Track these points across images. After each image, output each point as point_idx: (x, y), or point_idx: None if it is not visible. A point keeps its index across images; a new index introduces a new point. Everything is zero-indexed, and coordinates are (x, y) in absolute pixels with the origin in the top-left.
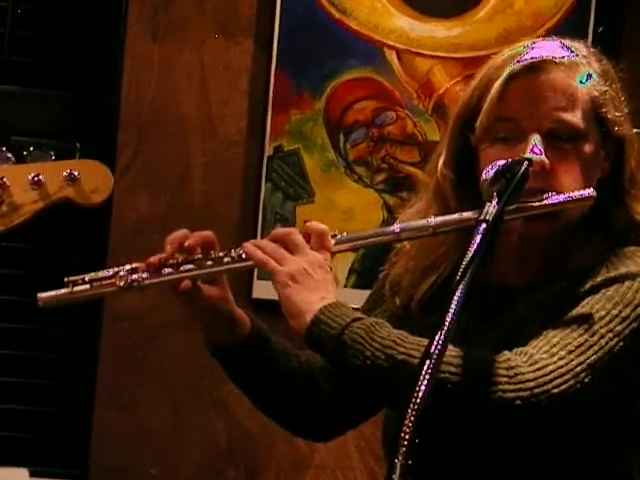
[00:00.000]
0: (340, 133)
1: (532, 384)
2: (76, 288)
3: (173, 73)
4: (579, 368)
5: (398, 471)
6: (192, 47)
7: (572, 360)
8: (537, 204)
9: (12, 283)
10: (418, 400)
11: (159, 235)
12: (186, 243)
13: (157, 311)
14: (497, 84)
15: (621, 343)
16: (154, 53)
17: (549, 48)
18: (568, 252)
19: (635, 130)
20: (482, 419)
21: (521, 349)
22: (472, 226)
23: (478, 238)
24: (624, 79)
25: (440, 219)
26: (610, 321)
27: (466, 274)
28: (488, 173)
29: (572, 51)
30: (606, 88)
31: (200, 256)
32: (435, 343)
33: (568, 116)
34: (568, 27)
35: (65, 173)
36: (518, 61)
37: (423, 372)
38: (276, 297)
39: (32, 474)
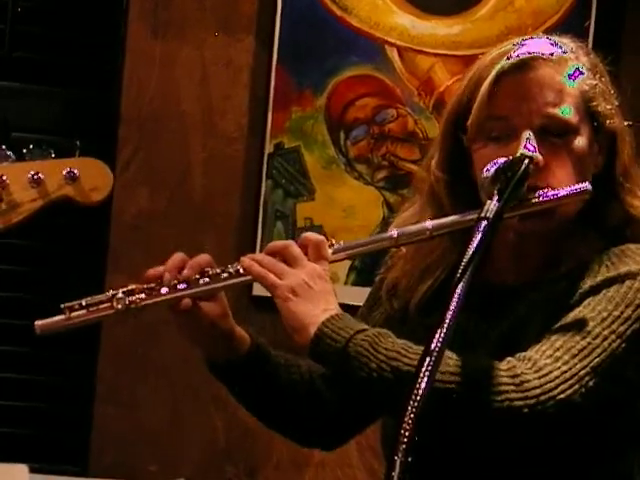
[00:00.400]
0: (341, 130)
1: (538, 391)
2: (73, 314)
3: (174, 69)
4: (583, 372)
5: (398, 469)
6: (193, 44)
7: (576, 364)
8: (535, 201)
9: (11, 280)
10: (418, 398)
11: (159, 231)
12: (184, 272)
13: (157, 308)
14: (486, 82)
15: (624, 344)
16: (155, 49)
17: (537, 45)
18: (565, 249)
19: (626, 123)
20: (489, 427)
21: (524, 354)
22: (468, 228)
23: (478, 236)
24: (612, 72)
25: (437, 222)
26: (612, 322)
27: (466, 272)
28: (488, 171)
29: (560, 47)
30: (596, 82)
31: (197, 276)
32: (435, 340)
33: (559, 111)
34: (568, 25)
35: (65, 171)
36: (507, 59)
37: (423, 369)
38: None
39: (32, 471)
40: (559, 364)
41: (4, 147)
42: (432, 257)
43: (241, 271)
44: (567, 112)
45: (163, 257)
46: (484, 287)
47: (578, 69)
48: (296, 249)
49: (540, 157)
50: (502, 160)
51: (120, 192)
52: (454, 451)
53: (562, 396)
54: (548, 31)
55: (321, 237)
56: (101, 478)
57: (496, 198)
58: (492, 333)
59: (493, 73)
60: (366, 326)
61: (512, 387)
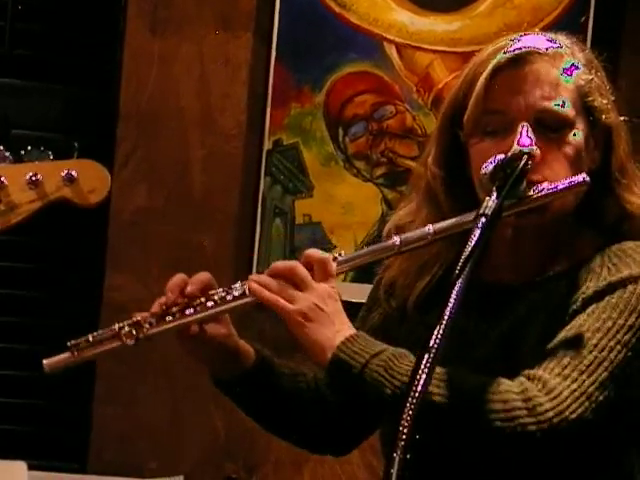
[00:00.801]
0: (339, 127)
1: (551, 414)
2: (80, 352)
3: (173, 66)
4: (592, 388)
5: (396, 466)
6: (192, 40)
7: (584, 381)
8: (535, 196)
9: (11, 277)
10: (416, 395)
11: (158, 228)
12: (187, 290)
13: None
14: (482, 77)
15: (630, 353)
16: (154, 47)
17: (532, 40)
18: (562, 246)
19: (622, 118)
20: (499, 449)
21: (534, 373)
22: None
23: (477, 232)
24: (608, 69)
25: (438, 225)
26: (617, 332)
27: (465, 268)
28: (487, 167)
29: (556, 42)
30: (592, 77)
31: (203, 299)
32: (434, 336)
33: (554, 105)
34: (567, 22)
35: (63, 173)
36: (503, 54)
37: (422, 366)
38: None
39: (30, 468)
40: (568, 382)
41: (2, 148)
42: (429, 254)
43: (246, 292)
44: (563, 106)
45: (162, 254)
46: (483, 286)
47: (574, 64)
48: (302, 271)
49: (538, 151)
50: (500, 156)
51: (119, 189)
52: (454, 451)
53: (574, 416)
54: (546, 28)
55: (325, 254)
56: (100, 475)
57: (495, 195)
58: (492, 333)
59: (489, 68)
60: (381, 346)
61: (525, 412)
